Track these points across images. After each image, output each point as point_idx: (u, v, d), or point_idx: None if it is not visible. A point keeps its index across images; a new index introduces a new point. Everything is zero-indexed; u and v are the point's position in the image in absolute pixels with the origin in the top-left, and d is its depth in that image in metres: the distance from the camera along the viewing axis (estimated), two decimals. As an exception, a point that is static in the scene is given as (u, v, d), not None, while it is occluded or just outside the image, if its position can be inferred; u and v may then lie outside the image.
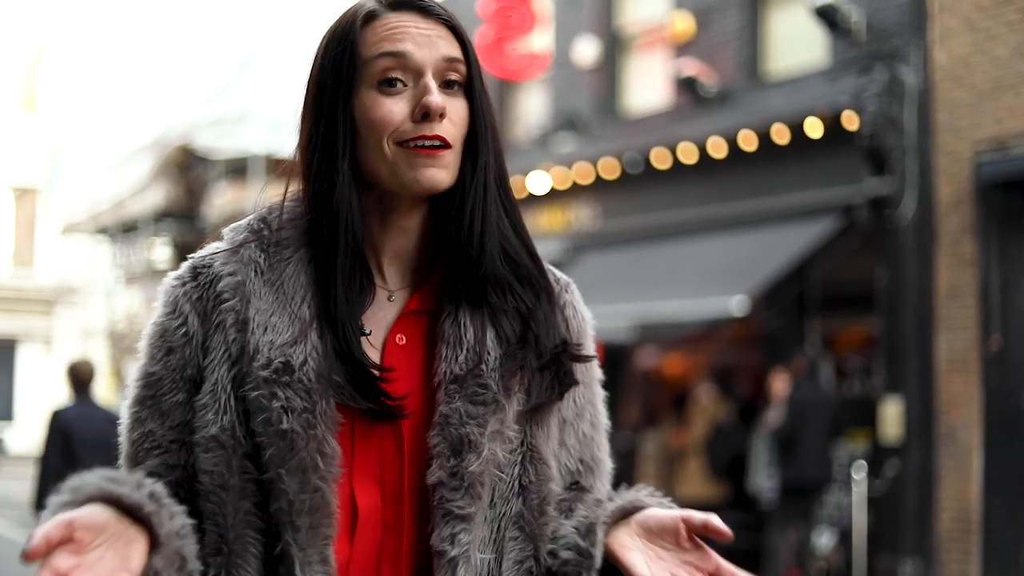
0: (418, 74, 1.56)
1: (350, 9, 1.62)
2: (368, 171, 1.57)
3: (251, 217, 1.65)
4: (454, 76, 1.58)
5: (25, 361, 33.36)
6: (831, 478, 10.37)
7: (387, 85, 1.55)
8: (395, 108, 1.54)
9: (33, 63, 34.31)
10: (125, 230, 25.98)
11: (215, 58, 26.72)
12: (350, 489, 1.54)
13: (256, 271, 1.57)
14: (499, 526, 1.58)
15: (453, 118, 1.56)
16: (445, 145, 1.55)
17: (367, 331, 1.58)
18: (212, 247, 1.63)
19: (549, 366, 1.61)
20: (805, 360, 10.81)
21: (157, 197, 23.83)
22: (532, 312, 1.61)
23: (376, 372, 1.55)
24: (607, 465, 1.74)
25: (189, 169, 23.42)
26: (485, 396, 1.55)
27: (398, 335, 1.61)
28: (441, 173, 1.55)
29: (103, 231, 27.30)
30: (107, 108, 32.49)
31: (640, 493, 1.61)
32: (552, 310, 1.64)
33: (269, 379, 1.51)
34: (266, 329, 1.53)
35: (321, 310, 1.56)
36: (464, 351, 1.57)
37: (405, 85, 1.56)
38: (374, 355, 1.58)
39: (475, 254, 1.58)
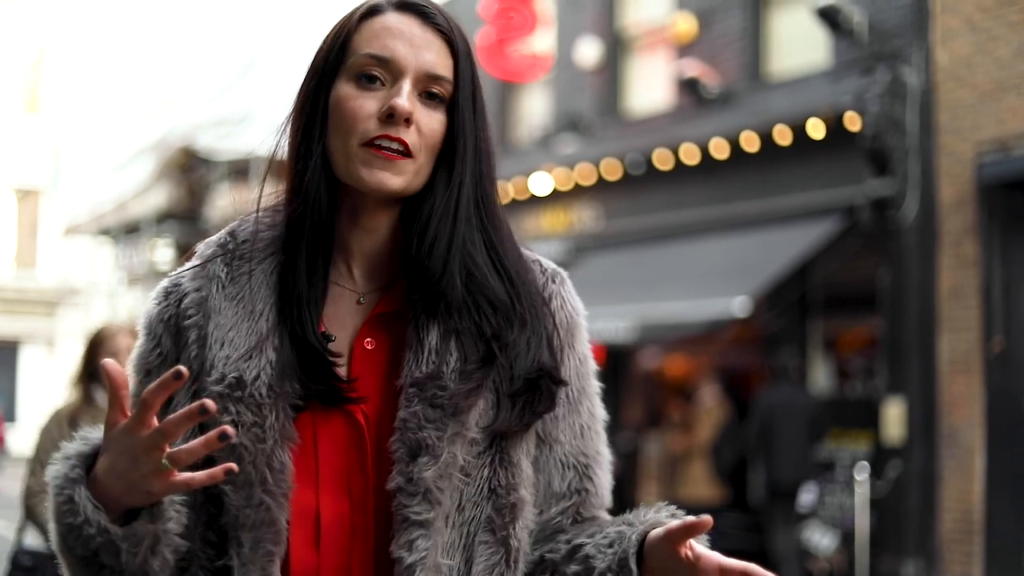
0: (397, 77, 1.55)
1: (361, 3, 1.63)
2: (332, 160, 1.57)
3: (222, 231, 1.65)
4: (436, 90, 1.57)
5: (27, 362, 33.38)
6: (808, 480, 10.33)
7: (366, 80, 1.55)
8: (366, 104, 1.54)
9: (35, 64, 34.34)
10: (127, 231, 25.97)
11: (217, 59, 26.72)
12: (315, 500, 1.53)
13: (218, 286, 1.58)
14: (468, 531, 1.56)
15: (423, 128, 1.55)
16: (405, 153, 1.53)
17: (332, 337, 1.57)
18: (186, 265, 1.64)
19: (520, 395, 1.58)
20: (775, 364, 10.79)
21: (159, 198, 23.83)
22: (498, 336, 1.57)
23: (329, 357, 1.54)
24: (607, 457, 1.73)
25: (191, 170, 23.41)
26: (443, 399, 1.53)
27: (367, 339, 1.60)
28: (393, 179, 1.54)
29: (105, 232, 27.30)
30: (109, 109, 32.50)
31: (660, 514, 1.59)
32: (529, 337, 1.60)
33: (222, 394, 1.51)
34: (223, 344, 1.54)
35: (281, 315, 1.56)
36: (425, 354, 1.55)
37: (383, 84, 1.55)
38: (341, 360, 1.57)
39: (435, 272, 1.56)
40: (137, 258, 26.08)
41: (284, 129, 1.64)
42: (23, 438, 29.29)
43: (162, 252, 26.23)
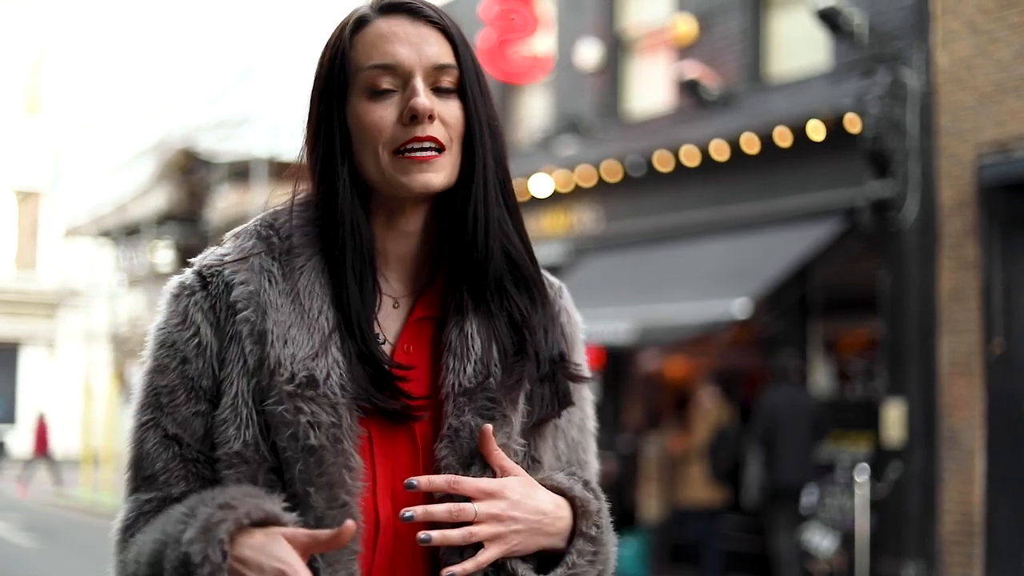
0: (407, 79, 1.56)
1: (345, 16, 1.63)
2: (365, 175, 1.58)
3: (255, 223, 1.63)
4: (446, 79, 1.58)
5: (28, 364, 33.38)
6: (811, 481, 10.34)
7: (378, 92, 1.56)
8: (385, 114, 1.55)
9: (35, 66, 34.34)
10: (128, 233, 25.96)
11: (218, 61, 26.74)
12: (373, 500, 1.54)
13: (270, 281, 1.56)
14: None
15: (446, 120, 1.56)
16: (438, 148, 1.54)
17: (382, 340, 1.58)
18: (217, 253, 1.61)
19: (547, 380, 1.62)
20: (775, 367, 10.80)
21: (159, 200, 23.82)
22: (526, 321, 1.60)
23: (396, 372, 1.55)
24: (593, 467, 1.75)
25: (191, 172, 23.41)
26: (494, 411, 1.55)
27: (405, 344, 1.60)
28: (435, 177, 1.55)
29: (106, 234, 27.28)
30: (109, 111, 32.51)
31: (557, 474, 1.61)
32: (549, 320, 1.64)
33: (293, 393, 1.50)
34: (286, 342, 1.52)
35: (340, 319, 1.55)
36: (472, 363, 1.56)
37: (395, 91, 1.56)
38: (407, 377, 1.58)
39: (480, 255, 1.57)
40: (137, 260, 26.09)
41: (301, 158, 1.63)
42: (22, 440, 29.30)
43: (162, 254, 26.23)
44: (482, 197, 1.58)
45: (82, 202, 29.75)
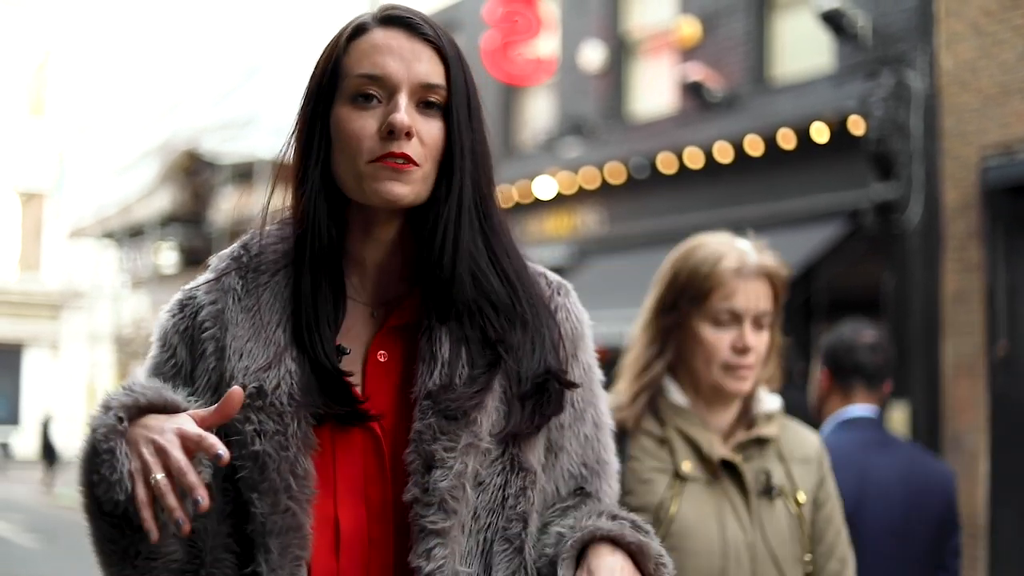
0: (392, 92, 1.57)
1: (348, 22, 1.64)
2: (340, 182, 1.59)
3: (235, 245, 1.68)
4: (433, 99, 1.58)
5: (31, 365, 33.43)
6: None
7: (363, 100, 1.57)
8: (366, 124, 1.56)
9: (40, 68, 34.40)
10: (132, 234, 26.02)
11: (222, 62, 26.76)
12: (334, 507, 1.55)
13: (234, 298, 1.60)
14: (485, 538, 1.58)
15: (425, 138, 1.57)
16: (410, 162, 1.55)
17: (346, 350, 1.60)
18: (200, 278, 1.67)
19: (529, 396, 1.60)
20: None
21: (164, 201, 23.87)
22: (502, 339, 1.60)
23: (347, 378, 1.57)
24: (613, 466, 1.73)
25: (196, 173, 23.46)
26: (456, 411, 1.55)
27: (379, 352, 1.62)
28: (403, 188, 1.55)
29: (110, 235, 27.35)
30: (114, 112, 32.54)
31: (600, 520, 1.61)
32: (537, 335, 1.63)
33: (243, 404, 1.52)
34: (241, 355, 1.57)
35: (296, 330, 1.58)
36: (439, 367, 1.57)
37: (380, 101, 1.57)
38: (355, 373, 1.59)
39: (445, 276, 1.58)
40: (141, 261, 26.14)
41: (287, 151, 1.66)
42: (27, 441, 29.32)
43: (166, 255, 26.27)
44: (453, 219, 1.58)
45: (86, 203, 29.81)
